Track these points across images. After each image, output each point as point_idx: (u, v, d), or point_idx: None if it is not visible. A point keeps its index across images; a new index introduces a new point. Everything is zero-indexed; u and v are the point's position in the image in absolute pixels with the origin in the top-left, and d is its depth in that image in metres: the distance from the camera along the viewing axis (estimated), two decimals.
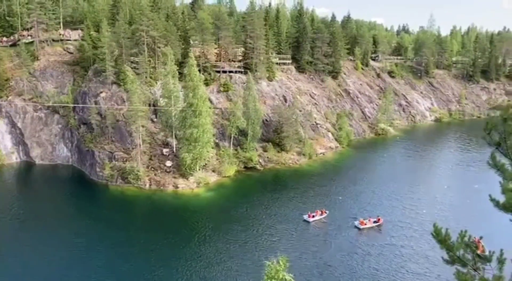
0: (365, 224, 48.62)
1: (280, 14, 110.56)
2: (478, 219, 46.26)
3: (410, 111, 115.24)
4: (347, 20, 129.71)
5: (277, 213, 52.67)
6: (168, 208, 54.45)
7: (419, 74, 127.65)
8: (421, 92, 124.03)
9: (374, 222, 49.30)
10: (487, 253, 7.76)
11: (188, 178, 61.66)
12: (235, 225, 48.66)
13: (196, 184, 61.25)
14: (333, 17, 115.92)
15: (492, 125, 6.28)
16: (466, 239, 7.08)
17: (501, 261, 6.74)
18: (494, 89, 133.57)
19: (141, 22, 70.67)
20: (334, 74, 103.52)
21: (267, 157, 71.69)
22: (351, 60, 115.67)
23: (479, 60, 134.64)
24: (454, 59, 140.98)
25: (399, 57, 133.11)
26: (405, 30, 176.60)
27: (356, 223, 49.07)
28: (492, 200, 6.77)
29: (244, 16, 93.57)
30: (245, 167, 69.01)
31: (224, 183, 63.53)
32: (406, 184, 65.59)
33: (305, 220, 50.13)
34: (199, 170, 63.15)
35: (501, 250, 6.88)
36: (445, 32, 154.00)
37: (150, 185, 60.62)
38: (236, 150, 70.12)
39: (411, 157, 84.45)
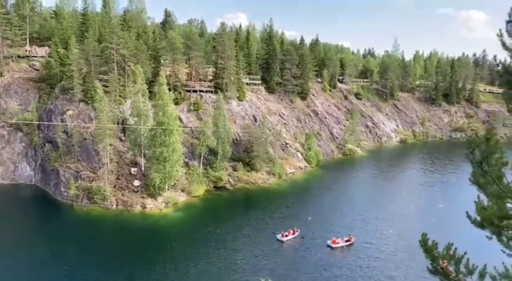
0: (338, 243, 49.01)
1: (251, 36, 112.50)
2: (446, 237, 47.42)
3: (376, 133, 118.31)
4: (315, 43, 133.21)
5: (249, 233, 52.36)
6: (135, 228, 53.18)
7: (384, 97, 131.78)
8: (387, 114, 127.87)
9: (346, 241, 49.80)
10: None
11: (156, 197, 60.67)
12: (206, 246, 47.97)
13: (165, 204, 60.30)
14: (302, 40, 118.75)
15: (475, 145, 6.69)
16: (451, 252, 7.38)
17: (482, 275, 7.08)
18: (455, 112, 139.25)
19: (111, 40, 70.18)
20: (303, 95, 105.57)
21: (237, 176, 71.60)
22: (319, 82, 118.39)
23: (441, 84, 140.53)
24: (417, 82, 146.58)
25: (365, 80, 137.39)
26: (370, 54, 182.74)
27: (329, 242, 49.36)
28: (469, 216, 7.13)
29: (215, 37, 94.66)
30: (214, 187, 68.62)
31: (193, 203, 62.82)
32: (374, 203, 66.82)
33: (278, 240, 50.06)
34: (168, 189, 62.32)
35: (485, 265, 7.23)
36: (408, 56, 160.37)
37: (117, 205, 59.20)
38: (205, 169, 69.75)
39: (378, 177, 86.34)
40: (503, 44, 6.23)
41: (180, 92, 78.94)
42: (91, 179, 61.45)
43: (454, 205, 63.01)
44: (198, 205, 62.28)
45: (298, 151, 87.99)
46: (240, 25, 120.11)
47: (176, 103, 75.25)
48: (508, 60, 6.36)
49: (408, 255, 45.59)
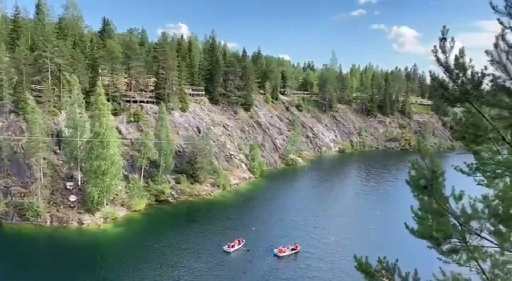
0: (284, 252, 49.43)
1: (193, 46, 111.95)
2: (384, 244, 49.39)
3: (316, 143, 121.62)
4: (257, 55, 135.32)
5: (193, 246, 51.31)
6: (72, 246, 50.21)
7: (323, 108, 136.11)
8: (326, 125, 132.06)
9: (292, 249, 50.44)
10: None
11: (94, 213, 57.89)
12: (147, 262, 46.29)
13: (103, 220, 57.68)
14: (244, 52, 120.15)
15: (420, 175, 6.93)
16: (384, 264, 7.55)
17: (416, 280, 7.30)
18: (390, 122, 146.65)
19: (45, 48, 66.78)
20: (247, 106, 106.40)
21: (180, 189, 70.24)
22: (262, 93, 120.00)
23: (376, 96, 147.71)
24: (354, 95, 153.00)
25: (305, 92, 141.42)
26: (310, 67, 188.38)
27: (275, 251, 49.68)
28: (407, 227, 7.36)
29: (156, 47, 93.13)
30: (156, 200, 66.80)
31: (134, 218, 60.63)
32: (316, 212, 68.19)
33: (225, 251, 49.67)
34: (106, 204, 59.74)
35: (415, 269, 7.46)
36: (346, 70, 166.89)
37: (51, 221, 55.71)
38: (147, 182, 67.77)
39: (319, 186, 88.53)
40: (438, 60, 6.55)
41: (119, 103, 76.51)
42: (22, 195, 57.47)
43: (391, 211, 66.07)
44: (139, 220, 60.20)
45: (242, 162, 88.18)
46: (182, 36, 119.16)
47: (115, 114, 72.85)
48: (442, 75, 6.71)
49: (349, 263, 46.80)
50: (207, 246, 51.57)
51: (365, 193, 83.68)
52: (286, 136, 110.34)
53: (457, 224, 6.85)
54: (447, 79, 6.53)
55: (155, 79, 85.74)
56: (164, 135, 69.24)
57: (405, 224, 7.65)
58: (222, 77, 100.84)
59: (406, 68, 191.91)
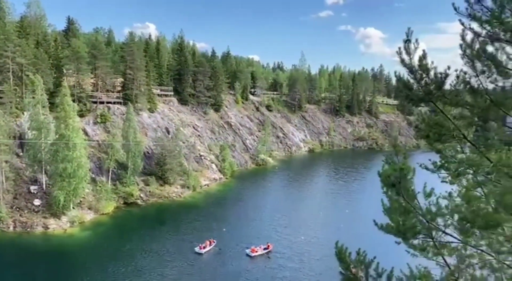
0: (256, 251, 49.56)
1: (161, 46, 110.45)
2: (355, 241, 50.11)
3: (286, 143, 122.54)
4: (226, 56, 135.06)
5: (164, 248, 50.64)
6: (36, 252, 48.51)
7: (293, 109, 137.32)
8: (296, 125, 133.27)
9: (264, 249, 50.63)
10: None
11: (60, 217, 56.20)
12: (116, 266, 45.33)
13: (70, 224, 56.08)
14: (213, 52, 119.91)
15: (390, 173, 7.08)
16: (362, 257, 7.64)
17: (389, 278, 7.43)
18: (357, 122, 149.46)
19: (6, 48, 64.36)
20: (217, 107, 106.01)
21: (149, 191, 69.20)
22: (232, 94, 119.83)
23: (344, 96, 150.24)
24: (323, 95, 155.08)
25: (275, 93, 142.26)
26: (280, 67, 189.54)
27: (248, 251, 49.72)
28: (376, 224, 7.50)
29: (123, 47, 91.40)
30: (125, 203, 65.56)
31: (101, 221, 59.26)
32: (286, 211, 68.62)
33: (197, 252, 49.35)
34: (73, 208, 58.12)
35: (392, 268, 7.59)
36: (314, 70, 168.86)
37: (14, 227, 53.67)
38: (115, 184, 66.38)
39: (289, 186, 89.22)
40: (402, 61, 6.71)
41: (85, 104, 74.63)
42: None
43: (359, 209, 67.44)
44: (107, 223, 58.88)
45: (212, 163, 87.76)
46: (150, 35, 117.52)
47: (81, 116, 71.03)
48: (406, 76, 6.88)
49: (320, 262, 47.45)
50: (177, 248, 51.04)
51: (334, 192, 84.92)
52: (257, 137, 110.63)
53: (424, 220, 7.05)
54: (411, 80, 6.72)
55: (122, 80, 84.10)
56: (132, 137, 68.04)
57: (374, 221, 7.78)
58: (191, 77, 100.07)
59: (372, 69, 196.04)
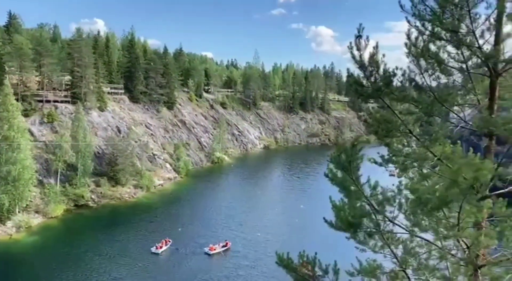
0: (215, 249, 49.58)
1: (110, 43, 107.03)
2: (309, 236, 51.10)
3: (242, 140, 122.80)
4: (179, 52, 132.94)
5: (118, 250, 49.23)
6: None
7: (248, 106, 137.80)
8: (251, 122, 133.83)
9: (223, 246, 50.78)
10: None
11: (4, 222, 53.21)
12: (66, 271, 43.50)
13: (16, 229, 53.21)
14: (166, 49, 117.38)
15: (341, 150, 7.24)
16: (305, 258, 7.77)
17: (336, 272, 7.61)
18: (311, 119, 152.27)
19: None
20: (170, 105, 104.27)
21: (101, 192, 67.02)
22: (185, 91, 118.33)
23: (297, 93, 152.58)
24: (277, 92, 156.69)
25: (229, 90, 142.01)
26: (233, 65, 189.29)
27: (206, 249, 49.61)
28: (326, 221, 7.65)
29: (70, 43, 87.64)
30: (75, 205, 63.13)
31: (50, 225, 56.70)
32: (242, 209, 68.82)
33: (153, 252, 48.56)
34: (19, 212, 55.24)
35: (335, 261, 7.76)
36: (268, 68, 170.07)
37: None
38: (64, 186, 63.71)
39: (245, 183, 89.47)
40: (353, 57, 6.88)
41: (30, 103, 71.05)
42: None
43: (313, 204, 68.72)
44: (56, 227, 56.45)
45: (167, 162, 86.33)
46: (98, 32, 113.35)
47: (26, 115, 67.52)
48: (357, 72, 7.07)
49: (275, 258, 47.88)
50: (133, 249, 49.89)
51: (289, 188, 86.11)
52: (212, 135, 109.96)
53: (371, 210, 7.30)
54: (361, 76, 6.90)
55: (70, 78, 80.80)
56: (81, 137, 65.59)
57: (324, 218, 7.92)
58: (143, 74, 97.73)
59: (324, 67, 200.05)
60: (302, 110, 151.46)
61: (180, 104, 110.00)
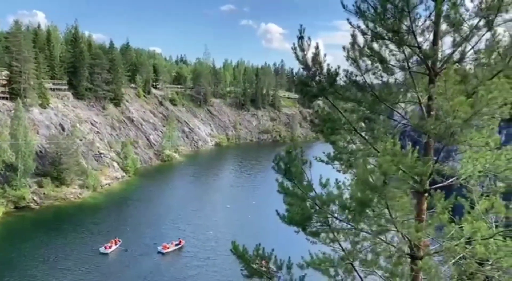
0: (168, 248, 48.98)
1: (52, 37, 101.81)
2: (261, 232, 51.37)
3: (193, 137, 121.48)
4: (126, 47, 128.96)
5: (65, 253, 47.24)
6: None
7: (199, 103, 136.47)
8: (202, 119, 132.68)
9: (176, 244, 50.27)
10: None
11: None
12: (3, 277, 41.12)
13: None
14: (112, 43, 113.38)
15: (280, 158, 7.35)
16: (260, 252, 7.80)
17: (289, 267, 7.71)
18: (262, 115, 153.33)
19: None
20: (116, 101, 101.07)
21: (44, 193, 63.86)
22: (133, 87, 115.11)
23: (248, 90, 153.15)
24: (228, 89, 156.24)
25: (179, 86, 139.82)
26: (183, 60, 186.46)
27: (159, 248, 48.88)
28: (278, 214, 7.73)
29: (8, 36, 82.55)
30: (16, 207, 59.81)
31: None
32: (193, 206, 68.05)
33: (102, 253, 47.20)
34: None
35: (289, 257, 7.85)
36: (219, 64, 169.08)
37: None
38: (2, 188, 60.04)
39: (196, 181, 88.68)
40: (297, 58, 6.96)
41: None
42: None
43: (264, 200, 69.40)
44: None
45: (114, 160, 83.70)
46: (39, 24, 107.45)
47: None
48: (301, 71, 7.16)
49: (229, 256, 47.79)
50: (79, 251, 48.12)
51: (240, 185, 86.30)
52: (161, 132, 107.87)
53: (318, 208, 7.44)
54: (306, 76, 6.99)
55: (7, 73, 76.18)
56: (21, 135, 62.06)
57: (276, 211, 7.98)
58: (88, 70, 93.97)
59: (274, 64, 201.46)
60: (253, 107, 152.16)
61: (127, 101, 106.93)
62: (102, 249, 47.71)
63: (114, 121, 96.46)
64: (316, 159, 8.01)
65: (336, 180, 7.76)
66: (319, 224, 7.64)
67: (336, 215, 7.50)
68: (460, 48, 7.15)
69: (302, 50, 6.83)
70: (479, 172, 7.10)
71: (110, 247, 48.19)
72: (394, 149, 6.27)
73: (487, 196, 7.37)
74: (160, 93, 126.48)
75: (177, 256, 48.89)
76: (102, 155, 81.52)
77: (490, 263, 7.55)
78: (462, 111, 6.34)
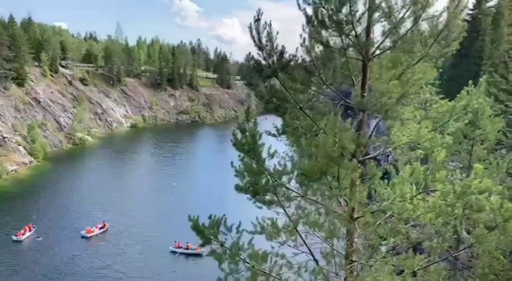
0: (92, 232, 47.93)
1: None
2: (185, 210, 51.48)
3: (106, 119, 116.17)
4: (28, 22, 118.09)
5: None
6: None
7: (111, 83, 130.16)
8: (115, 100, 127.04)
9: (101, 228, 49.28)
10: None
11: None
12: None
13: None
14: (12, 18, 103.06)
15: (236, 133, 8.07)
16: (215, 221, 8.31)
17: (239, 231, 8.38)
18: (180, 95, 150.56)
19: None
20: (20, 81, 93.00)
21: None
22: (38, 66, 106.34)
23: (165, 69, 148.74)
24: (143, 68, 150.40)
25: (90, 65, 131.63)
26: (93, 38, 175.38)
27: (83, 232, 47.63)
28: (236, 186, 8.32)
29: None
30: None
31: None
32: (111, 191, 65.60)
33: (15, 240, 44.83)
34: None
35: (239, 222, 8.53)
36: (132, 42, 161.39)
37: None
38: None
39: (112, 164, 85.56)
40: (254, 40, 7.45)
41: None
42: None
43: (185, 181, 69.69)
44: None
45: (20, 145, 77.55)
46: None
47: None
48: (257, 55, 7.68)
49: (152, 238, 47.67)
50: None
51: (160, 167, 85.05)
52: (72, 114, 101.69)
53: (271, 181, 8.19)
54: (261, 57, 7.52)
55: None
56: None
57: (236, 186, 8.54)
58: None
59: (190, 43, 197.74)
60: (170, 87, 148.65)
61: (32, 81, 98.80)
62: (14, 237, 45.27)
63: (18, 102, 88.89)
64: (267, 133, 8.71)
65: (291, 156, 8.58)
66: (270, 193, 8.40)
67: (286, 184, 8.34)
68: (390, 38, 8.18)
69: (258, 32, 7.32)
70: (406, 143, 8.35)
71: (23, 234, 45.90)
72: (340, 125, 7.16)
73: (410, 163, 8.62)
74: (69, 72, 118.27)
75: (101, 239, 47.94)
76: (6, 139, 75.11)
77: (411, 221, 8.94)
78: (395, 92, 7.44)
